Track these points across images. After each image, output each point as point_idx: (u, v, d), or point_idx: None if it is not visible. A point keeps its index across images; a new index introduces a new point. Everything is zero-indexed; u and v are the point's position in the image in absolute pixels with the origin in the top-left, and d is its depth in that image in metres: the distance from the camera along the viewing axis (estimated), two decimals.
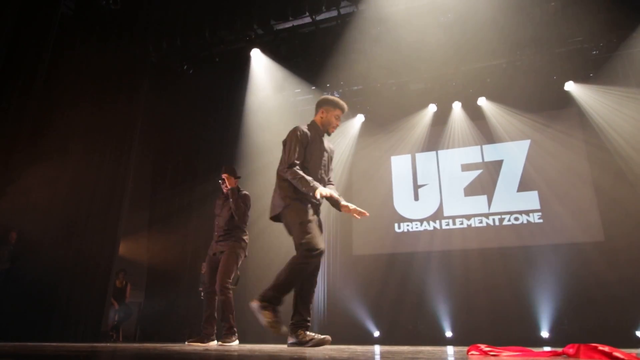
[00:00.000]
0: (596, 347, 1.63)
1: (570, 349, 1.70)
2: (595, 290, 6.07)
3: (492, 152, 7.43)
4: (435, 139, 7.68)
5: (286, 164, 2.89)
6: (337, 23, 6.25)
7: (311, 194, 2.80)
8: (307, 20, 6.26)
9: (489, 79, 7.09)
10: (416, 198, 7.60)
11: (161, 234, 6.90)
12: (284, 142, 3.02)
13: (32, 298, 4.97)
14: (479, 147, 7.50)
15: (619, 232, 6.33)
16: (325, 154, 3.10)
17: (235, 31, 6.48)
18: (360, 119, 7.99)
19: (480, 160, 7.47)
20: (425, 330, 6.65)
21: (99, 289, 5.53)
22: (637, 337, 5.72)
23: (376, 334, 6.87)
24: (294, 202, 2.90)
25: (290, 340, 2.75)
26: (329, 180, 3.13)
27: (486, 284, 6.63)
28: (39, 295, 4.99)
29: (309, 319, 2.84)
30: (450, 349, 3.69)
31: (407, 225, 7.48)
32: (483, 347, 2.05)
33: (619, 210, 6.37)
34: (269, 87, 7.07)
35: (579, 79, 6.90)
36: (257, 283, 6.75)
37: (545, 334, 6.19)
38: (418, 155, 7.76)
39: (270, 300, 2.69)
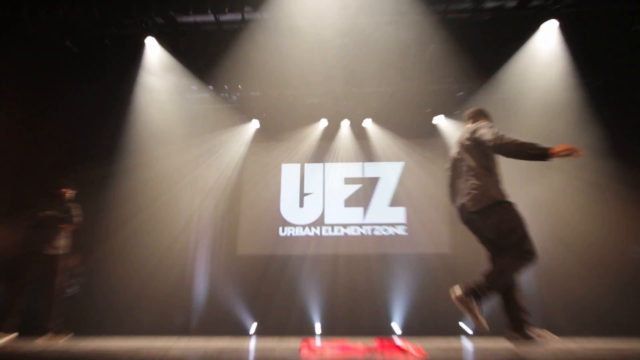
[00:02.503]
0: (394, 342, 1.96)
1: (378, 345, 2.01)
2: (436, 291, 6.70)
3: (371, 169, 7.90)
4: (324, 152, 7.96)
5: (496, 136, 2.69)
6: (241, 27, 6.17)
7: (544, 154, 2.53)
8: (211, 18, 6.12)
9: (375, 103, 7.60)
10: (301, 205, 7.86)
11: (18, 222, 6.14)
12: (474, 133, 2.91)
13: None
14: (360, 163, 7.92)
15: (462, 246, 7.06)
16: None
17: (131, 16, 6.06)
18: (255, 124, 7.99)
19: (361, 176, 7.91)
20: (296, 323, 6.94)
21: None
22: (461, 327, 6.62)
23: (253, 327, 7.03)
24: (509, 202, 2.82)
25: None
26: None
27: (353, 284, 7.19)
28: None
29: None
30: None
31: (291, 230, 7.70)
32: (312, 343, 2.27)
33: (464, 229, 7.32)
34: (162, 80, 6.74)
35: (446, 114, 7.67)
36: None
37: (395, 327, 6.86)
38: (307, 165, 7.99)
39: (477, 295, 2.71)
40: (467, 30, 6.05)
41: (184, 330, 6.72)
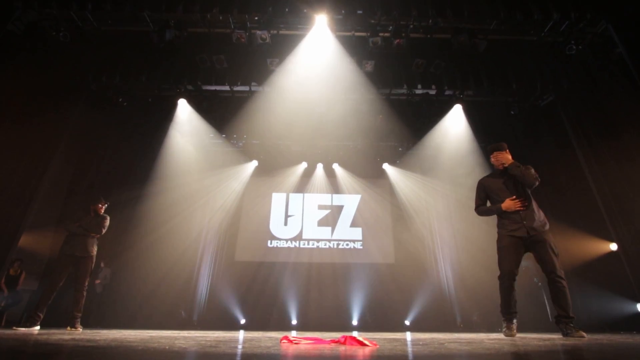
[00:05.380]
0: (355, 337, 1.78)
1: (342, 338, 1.82)
2: (384, 294, 6.61)
3: (337, 199, 7.79)
4: (303, 185, 7.81)
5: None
6: (248, 95, 6.17)
7: (500, 211, 2.67)
8: (227, 88, 6.09)
9: (341, 152, 7.63)
10: (285, 224, 7.55)
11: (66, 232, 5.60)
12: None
13: None
14: (330, 195, 7.81)
15: (403, 258, 7.06)
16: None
17: (169, 82, 5.96)
18: (254, 163, 7.80)
19: (330, 204, 7.77)
20: (277, 318, 6.43)
21: None
22: (406, 324, 6.29)
23: (242, 321, 6.43)
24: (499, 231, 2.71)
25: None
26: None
27: (323, 286, 6.80)
28: None
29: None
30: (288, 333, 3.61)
31: (277, 242, 7.34)
32: (290, 336, 2.06)
33: (404, 245, 7.17)
34: (188, 128, 6.52)
35: (390, 162, 7.80)
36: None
37: (355, 322, 6.48)
38: (291, 195, 7.79)
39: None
40: (404, 107, 6.24)
41: (188, 323, 6.07)
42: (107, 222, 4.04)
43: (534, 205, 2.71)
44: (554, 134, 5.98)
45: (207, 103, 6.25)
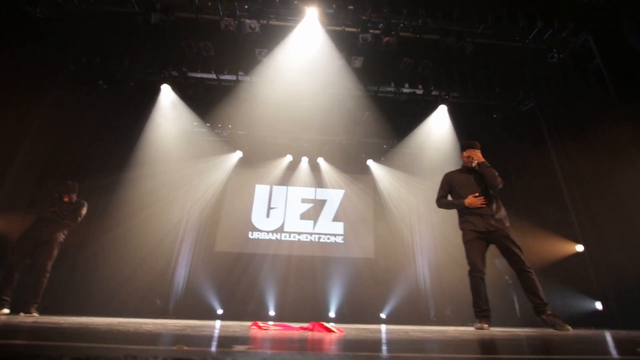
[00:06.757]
0: (323, 324, 1.81)
1: (310, 325, 1.85)
2: (362, 288, 6.67)
3: (321, 193, 7.78)
4: (287, 178, 7.77)
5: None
6: (235, 84, 6.04)
7: (463, 205, 2.78)
8: (213, 76, 5.96)
9: (326, 147, 7.63)
10: (267, 216, 7.50)
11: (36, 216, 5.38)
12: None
13: None
14: (313, 188, 7.79)
15: (382, 254, 7.15)
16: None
17: (153, 67, 5.77)
18: (238, 154, 7.70)
19: (313, 197, 7.75)
20: (255, 309, 6.41)
21: None
22: (381, 317, 6.39)
23: (219, 311, 6.38)
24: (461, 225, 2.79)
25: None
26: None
27: (302, 279, 6.80)
28: None
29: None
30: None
31: (258, 234, 7.29)
32: (260, 323, 2.07)
33: (384, 241, 7.26)
34: (171, 115, 6.36)
35: (375, 159, 7.84)
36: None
37: (332, 314, 6.52)
38: (274, 187, 7.73)
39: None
40: (390, 105, 6.28)
41: (163, 312, 5.95)
42: (85, 210, 3.87)
43: (497, 202, 2.84)
44: (534, 139, 6.17)
45: (192, 90, 6.10)
